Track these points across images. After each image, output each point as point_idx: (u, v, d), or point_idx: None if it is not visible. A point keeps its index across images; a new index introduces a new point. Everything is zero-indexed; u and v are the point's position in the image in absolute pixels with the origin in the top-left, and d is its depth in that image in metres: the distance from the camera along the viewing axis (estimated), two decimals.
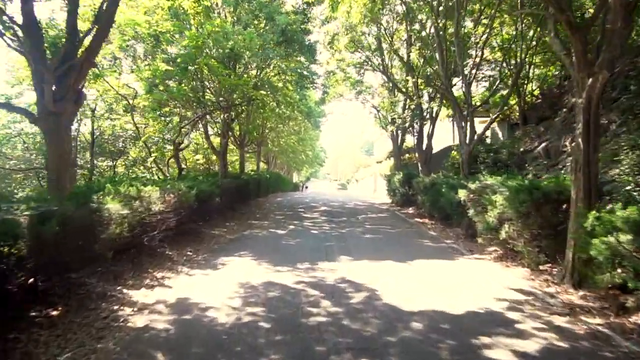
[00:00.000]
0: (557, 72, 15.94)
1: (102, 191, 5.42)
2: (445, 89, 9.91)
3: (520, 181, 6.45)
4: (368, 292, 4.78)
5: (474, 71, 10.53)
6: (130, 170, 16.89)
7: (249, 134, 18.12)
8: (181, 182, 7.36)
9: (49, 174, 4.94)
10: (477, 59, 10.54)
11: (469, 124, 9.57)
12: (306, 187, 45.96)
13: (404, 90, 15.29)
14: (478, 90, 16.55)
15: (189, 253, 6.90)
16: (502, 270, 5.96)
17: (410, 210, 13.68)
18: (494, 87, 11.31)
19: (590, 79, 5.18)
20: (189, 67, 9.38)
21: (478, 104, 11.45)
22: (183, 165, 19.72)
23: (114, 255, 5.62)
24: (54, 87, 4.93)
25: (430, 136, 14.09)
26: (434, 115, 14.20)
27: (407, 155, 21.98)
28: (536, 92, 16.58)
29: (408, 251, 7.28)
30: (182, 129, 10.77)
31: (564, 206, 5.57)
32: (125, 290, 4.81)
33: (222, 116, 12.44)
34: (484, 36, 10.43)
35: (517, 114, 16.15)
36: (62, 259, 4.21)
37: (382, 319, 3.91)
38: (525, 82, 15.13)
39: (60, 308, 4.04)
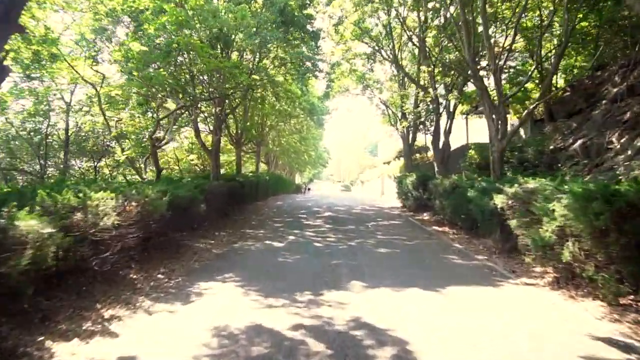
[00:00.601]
0: (584, 63, 14.49)
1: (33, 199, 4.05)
2: (473, 75, 8.43)
3: (585, 185, 4.99)
4: (396, 346, 3.32)
5: (504, 55, 9.03)
6: (118, 172, 15.56)
7: (247, 131, 16.70)
8: (151, 187, 5.94)
9: None
10: (509, 39, 9.04)
11: (499, 117, 8.08)
12: (308, 189, 44.60)
13: (417, 81, 13.73)
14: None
15: (159, 276, 5.48)
16: (568, 305, 4.47)
17: (426, 216, 12.21)
18: (530, 74, 9.81)
19: None
20: (172, 52, 7.98)
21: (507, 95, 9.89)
22: (176, 167, 18.42)
23: (53, 285, 4.24)
24: None
25: (447, 133, 12.59)
26: (451, 109, 12.69)
27: (417, 155, 20.49)
28: (561, 85, 15.06)
29: (435, 272, 5.84)
30: (162, 123, 9.32)
31: None
32: (49, 342, 3.39)
33: (214, 110, 11.00)
34: (515, 16, 8.94)
35: (541, 108, 14.66)
36: None
37: None
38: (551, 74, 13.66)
39: None
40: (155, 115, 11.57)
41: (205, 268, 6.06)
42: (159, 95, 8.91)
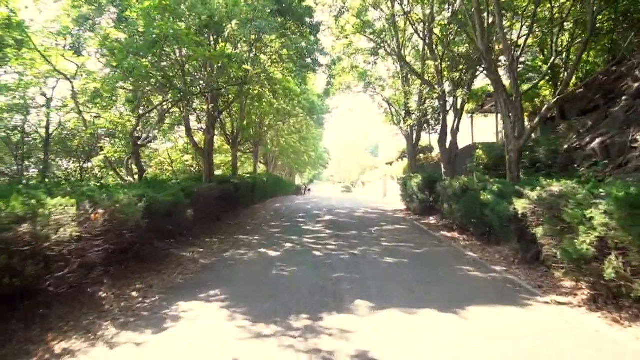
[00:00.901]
0: (596, 59, 13.79)
1: None
2: (488, 67, 7.71)
3: (626, 189, 4.28)
4: None
5: (519, 47, 8.31)
6: (108, 173, 14.83)
7: (244, 131, 15.98)
8: (126, 190, 5.23)
9: None
10: (525, 30, 8.34)
11: (516, 112, 7.36)
12: (309, 190, 43.97)
13: (422, 77, 12.97)
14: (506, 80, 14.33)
15: (134, 294, 4.76)
16: (614, 332, 3.73)
17: (432, 220, 11.48)
18: (548, 68, 9.11)
19: None
20: (158, 41, 7.28)
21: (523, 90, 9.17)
22: (170, 168, 17.69)
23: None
24: None
25: (455, 131, 11.88)
26: (459, 106, 11.97)
27: (421, 155, 19.78)
28: (572, 81, 14.34)
29: (451, 287, 5.13)
30: (148, 120, 8.60)
31: None
32: None
33: (207, 107, 10.27)
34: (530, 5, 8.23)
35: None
36: None
37: None
38: (563, 69, 12.98)
39: None
40: (141, 111, 10.82)
41: (189, 283, 5.34)
42: (146, 90, 8.19)
